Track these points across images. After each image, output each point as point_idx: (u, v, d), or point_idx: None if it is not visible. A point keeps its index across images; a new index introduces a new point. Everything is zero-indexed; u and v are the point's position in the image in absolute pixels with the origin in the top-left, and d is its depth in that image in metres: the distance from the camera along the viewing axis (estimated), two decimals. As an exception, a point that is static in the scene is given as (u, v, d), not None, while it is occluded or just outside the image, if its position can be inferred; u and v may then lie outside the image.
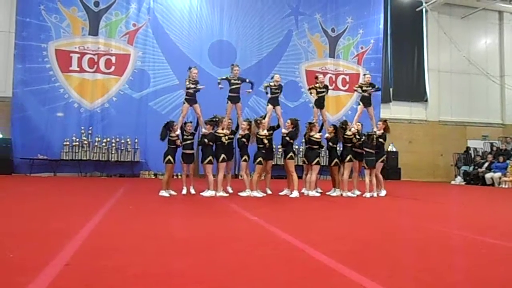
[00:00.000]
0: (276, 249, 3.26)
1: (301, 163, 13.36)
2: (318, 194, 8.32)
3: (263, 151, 7.97)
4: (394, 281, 2.45)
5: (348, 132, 8.41)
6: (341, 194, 8.42)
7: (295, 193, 7.88)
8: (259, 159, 7.87)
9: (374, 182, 8.39)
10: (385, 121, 8.90)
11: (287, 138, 8.15)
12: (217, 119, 7.85)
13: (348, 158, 8.32)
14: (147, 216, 5.04)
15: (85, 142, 13.64)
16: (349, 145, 8.44)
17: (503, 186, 13.84)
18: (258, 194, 7.85)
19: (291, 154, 8.17)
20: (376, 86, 9.07)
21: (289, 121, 8.23)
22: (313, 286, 2.32)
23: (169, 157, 7.56)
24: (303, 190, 8.41)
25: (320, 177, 11.49)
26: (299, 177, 8.48)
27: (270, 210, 6.08)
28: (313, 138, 8.26)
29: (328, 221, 5.21)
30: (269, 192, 8.40)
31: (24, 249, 3.02)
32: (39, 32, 13.72)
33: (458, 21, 19.08)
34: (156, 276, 2.40)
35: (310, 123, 8.43)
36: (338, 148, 8.74)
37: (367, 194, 8.26)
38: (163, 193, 7.50)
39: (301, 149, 14.80)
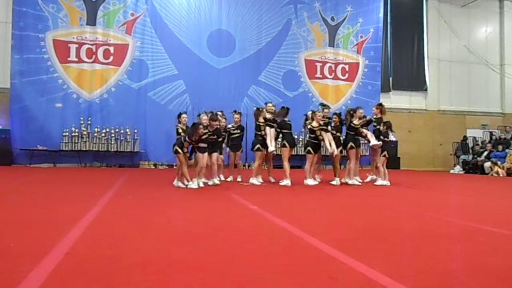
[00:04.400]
0: (276, 237, 3.27)
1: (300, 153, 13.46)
2: (316, 182, 8.35)
3: (260, 138, 7.99)
4: (393, 268, 2.47)
5: (355, 121, 8.45)
6: (347, 182, 8.43)
7: (286, 181, 7.83)
8: (257, 145, 7.90)
9: (381, 170, 8.48)
10: (379, 104, 9.22)
11: (278, 130, 8.13)
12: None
13: (349, 145, 8.42)
14: (147, 205, 5.05)
15: (85, 132, 13.60)
16: (352, 133, 8.52)
17: (494, 174, 13.99)
18: (256, 181, 7.87)
19: (284, 142, 8.03)
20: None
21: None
22: (312, 273, 2.33)
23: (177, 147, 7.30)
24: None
25: (325, 167, 11.59)
26: (298, 167, 8.50)
27: (269, 199, 6.10)
28: (309, 128, 8.32)
29: (327, 209, 5.23)
30: (272, 180, 8.50)
31: (25, 238, 3.03)
32: (36, 22, 13.58)
33: (459, 10, 18.92)
34: (155, 265, 2.41)
35: (308, 116, 8.41)
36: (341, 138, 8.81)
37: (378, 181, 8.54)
38: (192, 184, 6.99)
39: (300, 139, 14.79)
